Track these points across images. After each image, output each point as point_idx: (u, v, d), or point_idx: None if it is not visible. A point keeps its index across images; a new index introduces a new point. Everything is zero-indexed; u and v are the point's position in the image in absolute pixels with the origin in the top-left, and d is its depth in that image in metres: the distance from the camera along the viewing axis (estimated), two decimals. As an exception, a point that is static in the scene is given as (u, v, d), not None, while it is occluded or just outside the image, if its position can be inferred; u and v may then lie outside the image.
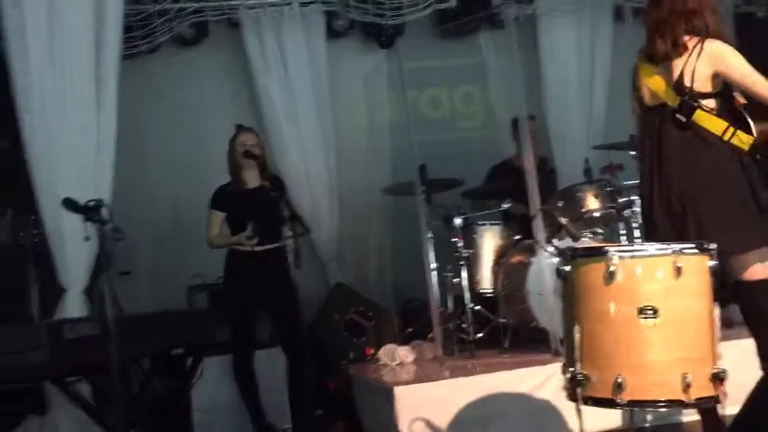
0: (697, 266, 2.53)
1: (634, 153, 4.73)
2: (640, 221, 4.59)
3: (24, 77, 4.09)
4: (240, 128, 4.71)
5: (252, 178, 4.54)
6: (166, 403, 4.19)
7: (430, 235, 4.73)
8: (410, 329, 5.14)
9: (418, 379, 4.18)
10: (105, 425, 3.13)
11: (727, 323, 3.09)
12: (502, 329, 4.76)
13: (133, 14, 5.14)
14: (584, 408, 2.54)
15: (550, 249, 3.54)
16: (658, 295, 2.47)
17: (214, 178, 5.80)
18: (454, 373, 4.11)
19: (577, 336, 2.55)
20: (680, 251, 2.50)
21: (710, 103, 2.86)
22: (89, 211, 2.79)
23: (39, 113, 4.10)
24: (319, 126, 5.82)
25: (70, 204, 2.95)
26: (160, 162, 5.93)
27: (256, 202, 4.44)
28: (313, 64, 5.82)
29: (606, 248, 2.55)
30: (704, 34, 2.85)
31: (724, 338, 2.60)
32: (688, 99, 2.85)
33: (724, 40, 2.87)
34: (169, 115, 5.97)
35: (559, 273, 2.67)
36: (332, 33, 5.98)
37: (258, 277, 4.42)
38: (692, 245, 2.56)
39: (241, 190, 4.55)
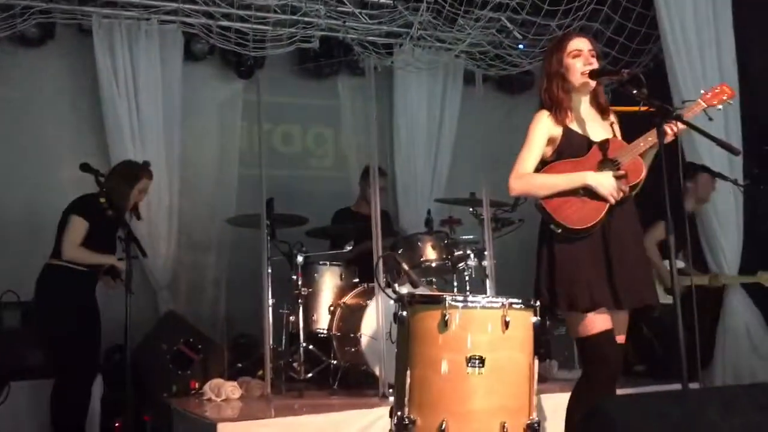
0: (523, 320, 2.71)
1: (472, 210, 5.02)
2: (471, 275, 4.88)
3: None
4: (146, 169, 4.61)
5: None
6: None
7: (269, 270, 4.69)
8: (240, 364, 5.02)
9: (243, 416, 4.06)
10: None
11: (542, 377, 3.30)
12: (333, 370, 4.77)
13: (-29, 5, 4.76)
14: (408, 452, 2.60)
15: (390, 292, 3.62)
16: (486, 346, 2.61)
17: (40, 187, 5.47)
18: (281, 412, 4.04)
19: (407, 380, 2.63)
20: (509, 305, 2.67)
21: None
22: None
23: None
24: (165, 148, 5.62)
25: None
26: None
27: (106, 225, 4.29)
28: (166, 85, 5.63)
29: (443, 296, 2.67)
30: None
31: (540, 391, 2.79)
32: None
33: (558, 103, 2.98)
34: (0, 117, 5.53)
35: (396, 317, 2.75)
36: (190, 55, 5.84)
37: (93, 297, 4.28)
38: (519, 300, 2.73)
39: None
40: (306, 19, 5.67)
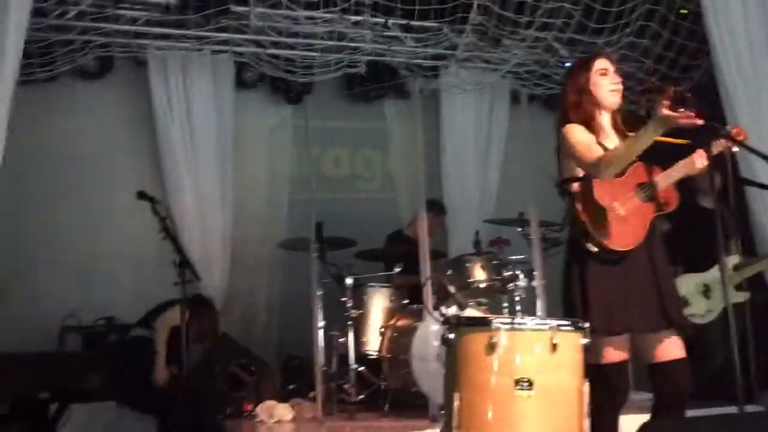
0: (571, 343, 2.68)
1: (521, 230, 4.99)
2: (522, 295, 4.84)
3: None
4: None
5: None
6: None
7: (320, 292, 4.74)
8: (291, 386, 5.08)
9: (296, 438, 4.12)
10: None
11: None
12: (384, 392, 4.78)
13: (34, 41, 4.97)
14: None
15: (437, 315, 3.64)
16: (534, 368, 2.60)
17: (98, 214, 5.65)
18: (332, 434, 4.08)
19: (456, 403, 2.62)
20: (557, 327, 2.65)
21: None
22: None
23: None
24: (218, 174, 5.77)
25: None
26: (44, 193, 5.66)
27: None
28: (218, 113, 5.80)
29: (489, 319, 2.66)
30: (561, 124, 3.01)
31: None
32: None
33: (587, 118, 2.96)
34: (60, 147, 5.76)
35: (444, 340, 2.75)
36: (241, 83, 6.00)
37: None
38: (568, 322, 2.71)
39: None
40: (352, 44, 5.77)
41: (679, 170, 2.94)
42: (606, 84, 2.98)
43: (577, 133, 2.93)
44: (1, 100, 4.04)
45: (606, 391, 2.82)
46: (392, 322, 4.94)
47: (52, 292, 5.34)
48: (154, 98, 5.66)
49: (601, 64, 3.01)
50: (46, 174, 5.67)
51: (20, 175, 5.32)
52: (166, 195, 5.46)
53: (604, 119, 3.03)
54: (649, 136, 2.71)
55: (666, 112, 2.58)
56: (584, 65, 3.04)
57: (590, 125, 2.96)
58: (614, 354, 2.85)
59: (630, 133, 2.90)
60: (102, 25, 5.27)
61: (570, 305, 2.89)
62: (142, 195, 4.36)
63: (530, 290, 4.76)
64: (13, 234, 5.16)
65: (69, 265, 5.51)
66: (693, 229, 4.06)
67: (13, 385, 3.14)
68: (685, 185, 3.06)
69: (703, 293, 4.66)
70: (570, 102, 3.01)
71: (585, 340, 2.72)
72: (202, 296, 4.72)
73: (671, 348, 2.86)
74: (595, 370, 2.83)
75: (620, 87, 2.98)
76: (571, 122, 2.97)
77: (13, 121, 4.22)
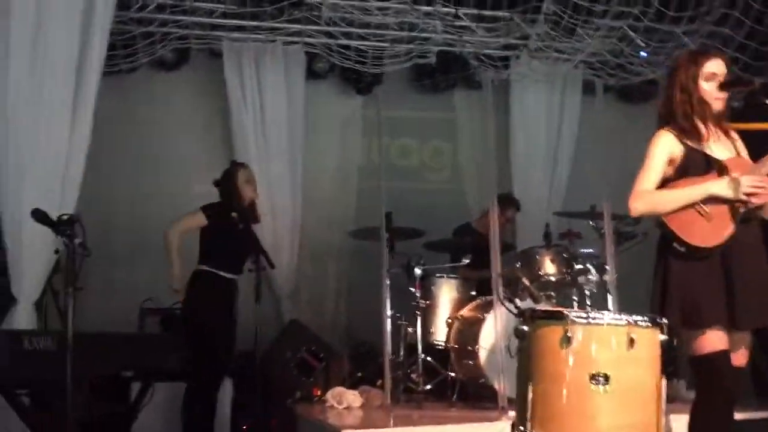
0: (649, 338, 2.64)
1: (592, 223, 4.91)
2: (592, 290, 4.77)
3: (1, 84, 4.06)
4: (239, 164, 4.68)
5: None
6: (105, 427, 4.09)
7: (388, 281, 4.78)
8: (360, 374, 5.15)
9: (364, 424, 4.17)
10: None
11: (669, 398, 3.19)
12: (451, 382, 4.80)
13: (117, 33, 5.16)
14: (530, 467, 2.60)
15: (511, 307, 3.63)
16: (611, 363, 2.57)
17: (175, 201, 5.83)
18: (400, 422, 4.12)
19: (529, 395, 2.62)
20: (634, 323, 2.61)
21: None
22: (61, 225, 2.78)
23: (12, 121, 4.07)
24: (289, 163, 5.89)
25: (39, 215, 2.93)
26: (125, 179, 5.89)
27: (239, 233, 4.42)
28: (290, 102, 5.91)
29: (565, 312, 2.65)
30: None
31: (668, 411, 2.70)
32: None
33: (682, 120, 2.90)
34: (140, 135, 5.97)
35: (518, 332, 2.75)
36: (311, 74, 6.09)
37: (225, 305, 4.37)
38: (645, 318, 2.67)
39: (233, 220, 4.44)
40: (423, 35, 5.78)
41: None
42: (712, 89, 2.83)
43: (656, 148, 2.87)
44: (89, 89, 4.23)
45: (710, 384, 2.72)
46: (460, 312, 4.95)
47: (134, 276, 5.56)
48: (228, 88, 5.81)
49: (712, 66, 2.84)
50: (128, 162, 5.90)
51: (104, 164, 5.53)
52: (239, 183, 5.59)
53: (706, 121, 2.88)
54: (697, 196, 2.73)
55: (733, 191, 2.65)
56: (693, 61, 2.88)
57: (684, 126, 2.85)
58: (714, 341, 2.70)
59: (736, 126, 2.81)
60: (180, 17, 5.44)
61: (652, 300, 2.84)
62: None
63: (601, 285, 4.68)
64: (99, 219, 5.37)
65: (149, 251, 5.69)
66: None
67: (96, 363, 3.28)
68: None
69: None
70: (670, 97, 2.90)
71: (663, 336, 2.68)
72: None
73: (737, 354, 2.78)
74: (695, 364, 2.76)
75: (725, 95, 2.84)
76: (666, 125, 2.88)
77: (98, 111, 4.42)
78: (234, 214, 4.39)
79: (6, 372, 2.57)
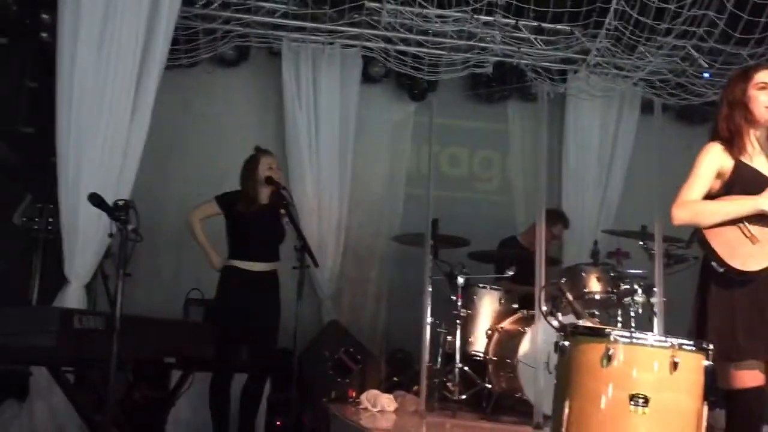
0: (693, 363, 2.58)
1: (642, 243, 4.82)
2: (638, 311, 4.68)
3: (68, 71, 4.19)
4: (261, 151, 4.67)
5: (263, 198, 4.55)
6: (144, 410, 4.18)
7: (430, 288, 4.77)
8: (396, 378, 5.15)
9: (397, 429, 4.18)
10: (88, 420, 3.13)
11: (709, 427, 3.11)
12: (487, 394, 4.77)
13: (180, 28, 5.29)
14: (563, 484, 2.56)
15: (554, 322, 3.57)
16: (652, 386, 2.52)
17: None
18: (433, 430, 4.12)
19: (566, 411, 2.59)
20: (679, 346, 2.56)
21: None
22: (117, 210, 2.86)
23: (76, 108, 4.19)
24: (338, 165, 5.94)
25: (96, 200, 3.02)
26: (178, 172, 6.02)
27: (263, 221, 4.46)
28: (343, 105, 5.96)
29: (608, 330, 2.61)
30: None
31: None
32: None
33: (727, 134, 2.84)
34: (196, 129, 6.10)
35: (558, 347, 2.72)
36: (367, 78, 6.13)
37: (252, 297, 4.37)
38: (691, 342, 2.61)
39: (252, 208, 4.48)
40: (481, 44, 5.77)
41: None
42: (763, 99, 2.80)
43: (704, 159, 2.83)
44: (151, 80, 4.33)
45: (740, 417, 2.69)
46: (501, 325, 4.91)
47: (181, 266, 5.67)
48: (284, 88, 5.89)
49: (762, 77, 2.83)
50: (183, 154, 6.03)
51: (160, 155, 5.67)
52: (288, 181, 5.66)
53: (759, 136, 2.86)
54: (745, 211, 2.68)
55: None
56: (744, 76, 2.88)
57: (736, 141, 2.81)
58: (749, 378, 2.69)
59: None
60: (243, 15, 5.55)
61: (690, 326, 2.78)
62: (269, 180, 4.54)
63: (648, 307, 4.59)
64: (151, 209, 5.48)
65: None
66: None
67: (140, 347, 3.34)
68: None
69: None
70: (721, 113, 2.88)
71: (707, 363, 2.62)
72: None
73: None
74: (726, 396, 2.71)
75: None
76: (717, 138, 2.84)
77: (158, 102, 4.53)
78: (241, 205, 4.39)
79: (54, 348, 2.64)
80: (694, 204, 2.79)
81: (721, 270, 2.70)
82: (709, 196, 2.84)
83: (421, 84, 6.16)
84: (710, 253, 2.74)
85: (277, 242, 4.51)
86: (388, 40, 5.84)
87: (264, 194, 4.53)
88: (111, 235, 2.94)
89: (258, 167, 4.53)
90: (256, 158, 4.59)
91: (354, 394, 4.89)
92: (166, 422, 4.46)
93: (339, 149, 5.95)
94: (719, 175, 2.83)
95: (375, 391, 4.72)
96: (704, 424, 2.60)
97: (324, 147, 5.92)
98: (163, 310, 5.25)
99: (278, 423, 4.81)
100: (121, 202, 2.89)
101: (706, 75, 5.67)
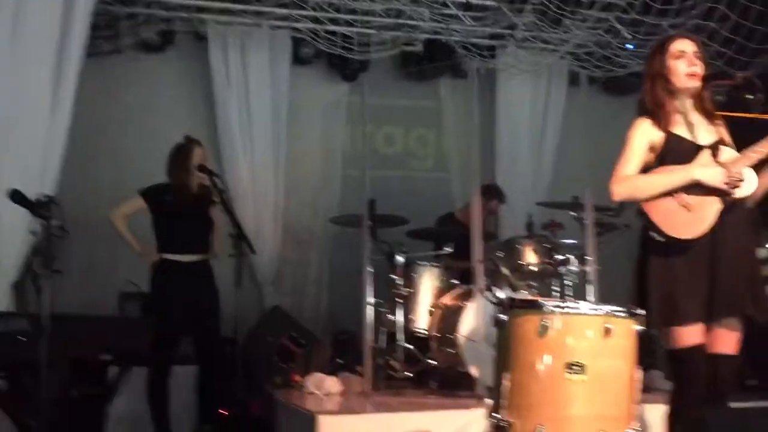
0: (625, 329, 2.66)
1: (574, 214, 4.93)
2: (573, 280, 4.80)
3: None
4: (193, 140, 4.59)
5: (193, 187, 4.49)
6: (82, 409, 4.08)
7: (370, 269, 4.78)
8: (340, 360, 5.16)
9: (343, 410, 4.19)
10: (20, 425, 3.04)
11: (645, 388, 3.22)
12: (431, 371, 4.82)
13: (100, 14, 5.10)
14: (505, 454, 2.62)
15: (490, 296, 3.65)
16: (587, 353, 2.59)
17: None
18: (380, 409, 4.14)
19: (505, 383, 2.64)
20: (611, 313, 2.63)
21: None
22: (39, 207, 2.76)
23: (-9, 99, 4.02)
24: (272, 148, 5.87)
25: (17, 196, 2.90)
26: (109, 163, 5.84)
27: (192, 211, 4.43)
28: (274, 88, 5.87)
29: (542, 302, 2.66)
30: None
31: (643, 401, 2.73)
32: None
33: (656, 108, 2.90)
34: (123, 118, 5.90)
35: (496, 321, 2.77)
36: (297, 59, 6.05)
37: (186, 288, 4.35)
38: (622, 308, 2.69)
39: (179, 198, 4.44)
40: (410, 22, 5.75)
41: (758, 151, 2.75)
42: (682, 67, 2.84)
43: (635, 135, 2.89)
44: (71, 68, 4.18)
45: (683, 377, 2.77)
46: (441, 301, 4.96)
47: (115, 260, 5.51)
48: (213, 72, 5.77)
49: (678, 45, 2.87)
50: (111, 144, 5.83)
51: (87, 145, 5.48)
52: (222, 167, 5.57)
53: (682, 106, 2.89)
54: (679, 181, 2.74)
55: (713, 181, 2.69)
56: (660, 48, 2.92)
57: (661, 114, 2.86)
58: (689, 336, 2.74)
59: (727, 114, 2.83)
60: (165, -1, 5.39)
61: (631, 296, 2.85)
62: (202, 169, 4.45)
63: (582, 276, 4.71)
64: (80, 202, 5.31)
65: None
66: None
67: (73, 346, 3.26)
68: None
69: None
70: (644, 87, 2.94)
71: (639, 327, 2.70)
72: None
73: (722, 341, 2.79)
74: (671, 357, 2.79)
75: (698, 70, 2.83)
76: (643, 113, 2.90)
77: (80, 92, 4.37)
78: (167, 198, 4.36)
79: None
80: (631, 179, 2.85)
81: (662, 240, 2.77)
82: (646, 169, 2.90)
83: (352, 64, 6.11)
84: (649, 224, 2.81)
85: (208, 232, 4.49)
86: (317, 20, 5.77)
87: (194, 183, 4.45)
88: (33, 233, 2.83)
89: (191, 156, 4.46)
90: (188, 147, 4.51)
91: (299, 379, 4.87)
92: (107, 418, 4.38)
93: (272, 132, 5.88)
94: (652, 149, 2.88)
95: (320, 374, 4.71)
96: (638, 386, 2.69)
97: (257, 131, 5.83)
98: (99, 305, 5.13)
99: (225, 412, 4.76)
100: (43, 198, 2.79)
101: (629, 46, 5.79)
